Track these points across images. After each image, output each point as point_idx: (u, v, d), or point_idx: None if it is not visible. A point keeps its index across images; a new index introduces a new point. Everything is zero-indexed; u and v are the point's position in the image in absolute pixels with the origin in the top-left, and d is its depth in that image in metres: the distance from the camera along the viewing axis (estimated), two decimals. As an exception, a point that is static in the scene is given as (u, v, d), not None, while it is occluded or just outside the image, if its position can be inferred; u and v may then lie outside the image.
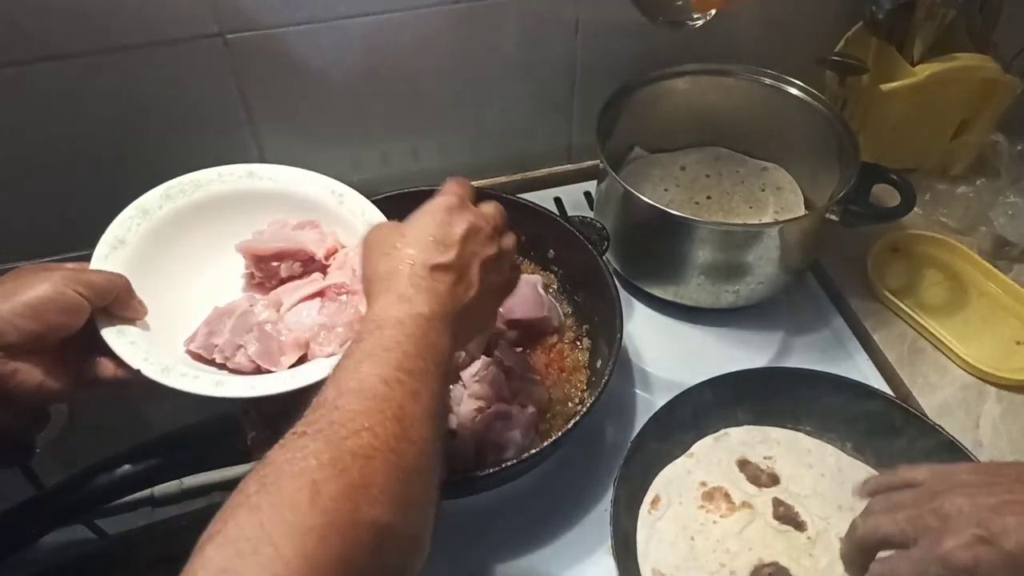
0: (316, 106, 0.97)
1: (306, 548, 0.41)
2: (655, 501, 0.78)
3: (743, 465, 0.81)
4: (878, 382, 0.90)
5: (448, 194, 0.64)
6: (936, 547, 0.54)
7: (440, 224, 0.61)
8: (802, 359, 0.93)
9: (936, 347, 0.94)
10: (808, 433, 0.84)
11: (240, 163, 1.00)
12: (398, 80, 0.98)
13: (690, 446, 0.83)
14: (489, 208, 0.66)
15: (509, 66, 1.01)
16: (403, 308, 0.56)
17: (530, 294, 0.87)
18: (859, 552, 0.61)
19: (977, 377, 0.90)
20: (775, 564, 0.74)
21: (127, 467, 0.69)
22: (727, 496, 0.78)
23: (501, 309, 0.82)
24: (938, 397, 0.89)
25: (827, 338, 0.96)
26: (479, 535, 0.79)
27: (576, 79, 1.05)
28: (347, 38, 0.92)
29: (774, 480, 0.80)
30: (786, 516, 0.77)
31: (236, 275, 0.77)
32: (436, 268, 0.58)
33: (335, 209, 0.79)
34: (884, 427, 0.81)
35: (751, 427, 0.84)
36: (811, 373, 0.84)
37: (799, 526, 0.76)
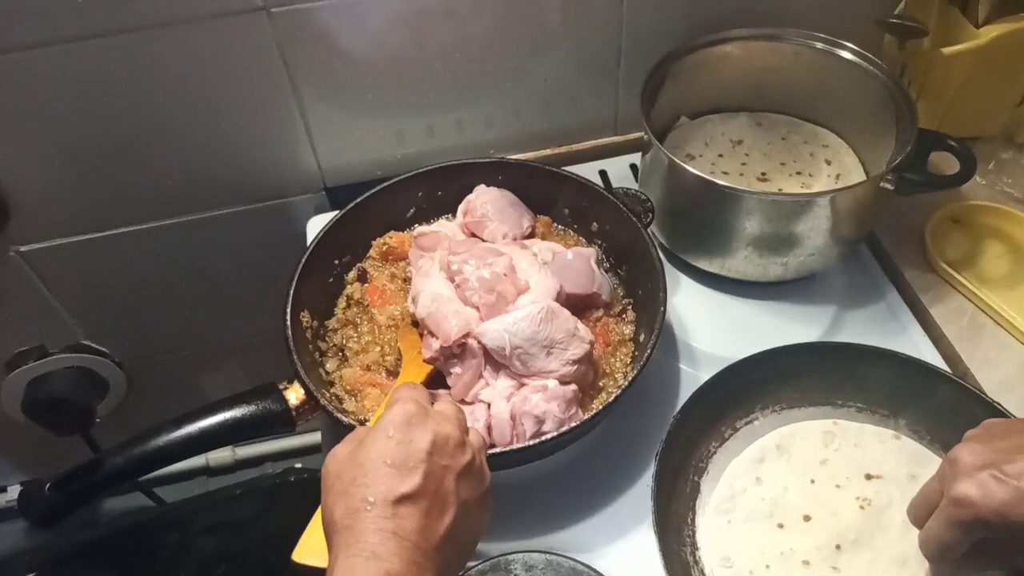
0: (360, 79, 0.97)
1: None
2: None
3: None
4: (934, 358, 0.87)
5: (402, 401, 0.56)
6: (950, 491, 0.57)
7: (398, 443, 0.53)
8: (854, 334, 0.90)
9: (997, 322, 0.90)
10: (858, 410, 0.82)
11: (287, 136, 1.01)
12: (442, 51, 0.97)
13: (735, 422, 0.81)
14: (448, 408, 0.58)
15: (553, 35, 0.99)
16: (369, 569, 0.48)
17: (583, 268, 0.85)
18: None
19: (1041, 354, 0.87)
20: None
21: (175, 434, 0.71)
22: None
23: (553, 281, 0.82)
24: (998, 375, 0.85)
25: (881, 312, 0.93)
26: (519, 508, 0.79)
27: (622, 47, 1.02)
28: (390, 9, 0.91)
29: None
30: None
31: None
32: (400, 501, 0.50)
33: None
34: (939, 405, 0.78)
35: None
36: (863, 348, 0.82)
37: None
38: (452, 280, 0.81)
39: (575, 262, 0.85)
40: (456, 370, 0.78)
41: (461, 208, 0.92)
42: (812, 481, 0.77)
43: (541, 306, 0.77)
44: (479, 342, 0.76)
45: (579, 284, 0.85)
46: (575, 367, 0.77)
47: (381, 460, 0.52)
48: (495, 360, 0.77)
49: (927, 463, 0.78)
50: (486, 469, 0.58)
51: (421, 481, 0.51)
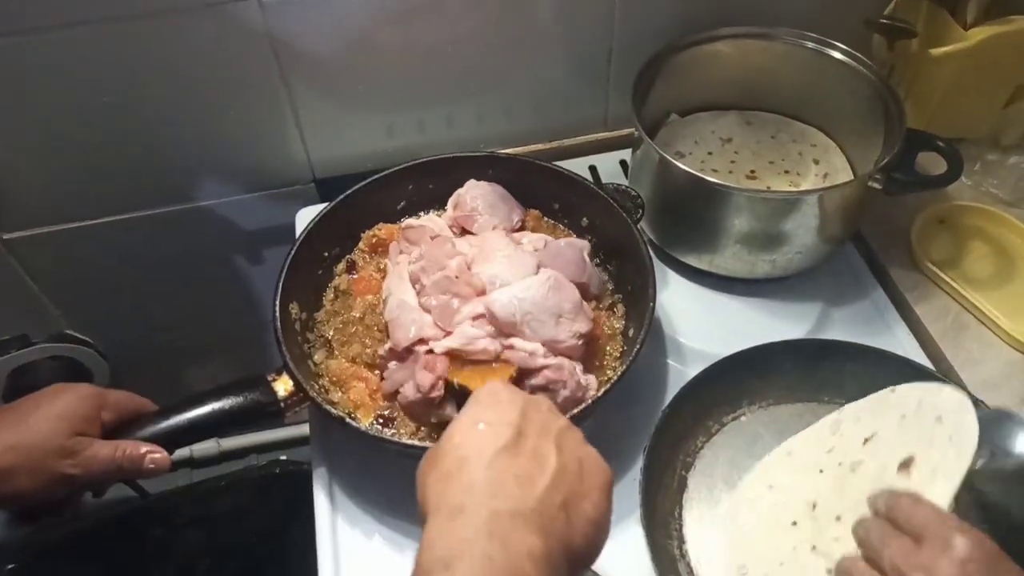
0: (351, 72, 0.97)
1: None
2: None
3: None
4: (919, 356, 0.88)
5: (488, 386, 0.54)
6: (943, 555, 0.52)
7: (488, 406, 0.51)
8: (840, 331, 0.90)
9: (981, 322, 0.91)
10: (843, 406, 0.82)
11: (277, 127, 1.00)
12: (433, 47, 0.97)
13: (722, 418, 0.82)
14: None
15: (545, 31, 0.99)
16: (461, 524, 0.44)
17: (574, 258, 0.85)
18: None
19: (1024, 353, 0.88)
20: None
21: (163, 424, 0.71)
22: None
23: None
24: (982, 373, 0.86)
25: (867, 310, 0.94)
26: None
27: (613, 44, 1.02)
28: (382, 3, 0.91)
29: None
30: None
31: None
32: (495, 456, 0.47)
33: None
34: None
35: None
36: (849, 346, 0.82)
37: None
38: (414, 286, 0.82)
39: (567, 250, 0.85)
40: (392, 366, 0.79)
41: (451, 201, 0.92)
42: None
43: (549, 274, 0.79)
44: (490, 310, 0.77)
45: (571, 272, 0.84)
46: (580, 341, 0.79)
47: (473, 423, 0.50)
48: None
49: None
50: (594, 452, 0.53)
51: (514, 434, 0.48)
